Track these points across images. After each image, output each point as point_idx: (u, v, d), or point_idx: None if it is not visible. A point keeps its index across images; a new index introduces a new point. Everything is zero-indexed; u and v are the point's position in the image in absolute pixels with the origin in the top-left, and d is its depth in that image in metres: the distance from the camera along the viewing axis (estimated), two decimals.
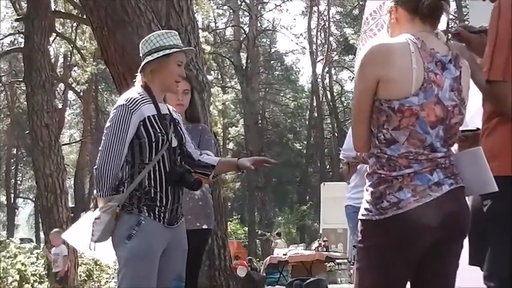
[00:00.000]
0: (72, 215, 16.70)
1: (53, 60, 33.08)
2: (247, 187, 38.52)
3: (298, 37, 47.62)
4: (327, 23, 44.00)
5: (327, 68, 43.96)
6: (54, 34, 25.03)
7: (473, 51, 2.97)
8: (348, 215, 6.13)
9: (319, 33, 44.79)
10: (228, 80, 44.25)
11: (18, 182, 46.99)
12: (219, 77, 42.56)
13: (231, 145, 43.03)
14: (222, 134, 36.77)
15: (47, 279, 15.94)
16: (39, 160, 16.38)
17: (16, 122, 37.60)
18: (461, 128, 2.81)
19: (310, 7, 43.26)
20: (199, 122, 4.93)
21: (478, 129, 3.11)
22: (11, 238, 22.27)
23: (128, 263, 3.54)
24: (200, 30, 21.29)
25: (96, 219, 3.55)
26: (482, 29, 3.09)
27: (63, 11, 23.27)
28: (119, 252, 3.60)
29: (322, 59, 44.00)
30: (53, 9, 19.98)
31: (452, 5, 31.33)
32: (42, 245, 19.18)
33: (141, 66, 3.77)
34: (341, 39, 44.43)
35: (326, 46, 43.53)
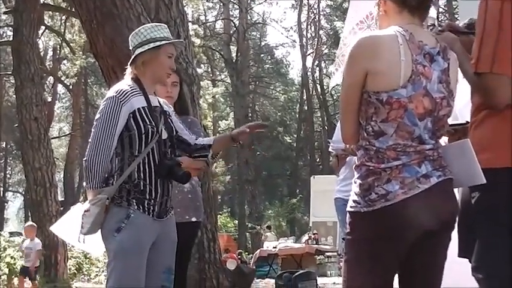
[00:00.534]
0: (61, 208, 16.61)
1: (42, 54, 32.89)
2: (238, 180, 38.47)
3: (289, 30, 47.36)
4: (317, 16, 43.96)
5: (317, 62, 43.92)
6: (43, 27, 24.92)
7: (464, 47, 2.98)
8: (337, 207, 6.13)
9: (309, 26, 44.71)
10: (218, 73, 44.14)
11: (8, 176, 46.79)
12: (209, 70, 42.48)
13: None
14: (212, 128, 36.69)
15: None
16: (28, 154, 16.28)
17: (5, 115, 37.41)
18: (451, 122, 2.82)
19: (300, 0, 43.19)
20: (189, 114, 4.94)
21: (467, 122, 3.11)
22: (0, 232, 22.22)
23: (117, 256, 3.54)
24: (190, 23, 21.21)
25: (85, 211, 3.55)
26: (470, 28, 3.10)
27: (52, 3, 23.16)
28: (108, 245, 3.60)
29: (312, 53, 43.95)
30: (41, 2, 19.86)
31: None
32: None
33: (131, 59, 3.77)
34: (331, 33, 44.35)
35: (316, 39, 43.49)
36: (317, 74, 44.48)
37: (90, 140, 3.63)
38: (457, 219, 2.79)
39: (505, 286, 2.64)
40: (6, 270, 13.73)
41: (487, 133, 2.79)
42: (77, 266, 17.70)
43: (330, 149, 6.32)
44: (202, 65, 37.95)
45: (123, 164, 3.62)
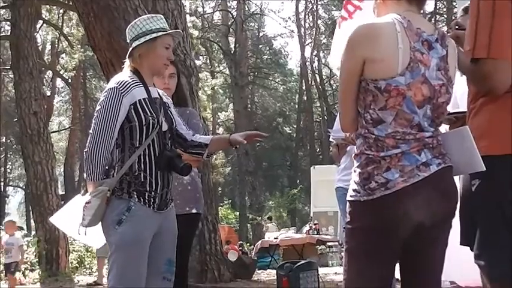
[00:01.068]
0: (62, 202, 16.58)
1: (40, 48, 32.91)
2: (238, 172, 38.50)
3: (287, 21, 47.48)
4: (315, 6, 43.86)
5: (315, 51, 43.88)
6: (41, 21, 24.86)
7: (461, 47, 2.97)
8: (338, 197, 6.12)
9: (307, 16, 44.65)
10: (216, 64, 44.05)
11: (8, 170, 46.77)
12: (208, 61, 42.38)
13: (220, 130, 42.90)
14: (211, 119, 36.68)
15: (38, 267, 15.92)
16: (28, 148, 16.28)
17: (4, 110, 37.38)
18: (452, 110, 2.81)
19: None
20: (187, 106, 4.93)
21: None
22: (1, 226, 22.22)
23: (118, 249, 3.54)
24: (188, 15, 21.20)
25: (86, 203, 3.54)
26: (467, 12, 3.08)
27: None
28: (109, 238, 3.60)
29: (310, 43, 43.90)
30: None
31: None
32: (33, 232, 19.12)
33: (129, 52, 3.76)
34: (329, 22, 44.22)
35: (314, 29, 43.41)
36: (316, 64, 44.44)
37: (90, 131, 3.62)
38: (457, 207, 2.79)
39: (507, 272, 2.65)
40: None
41: (486, 120, 2.78)
42: (79, 259, 17.70)
43: (330, 139, 6.32)
44: (200, 57, 37.84)
45: (123, 155, 3.62)
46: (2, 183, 44.49)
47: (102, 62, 8.71)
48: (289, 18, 46.39)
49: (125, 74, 3.74)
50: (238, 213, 36.63)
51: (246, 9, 42.44)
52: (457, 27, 3.18)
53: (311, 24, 44.78)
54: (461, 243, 3.00)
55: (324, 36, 44.48)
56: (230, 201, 41.58)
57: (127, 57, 3.79)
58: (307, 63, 43.24)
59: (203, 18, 39.36)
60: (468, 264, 3.06)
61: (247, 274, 11.07)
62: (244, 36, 40.73)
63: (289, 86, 47.81)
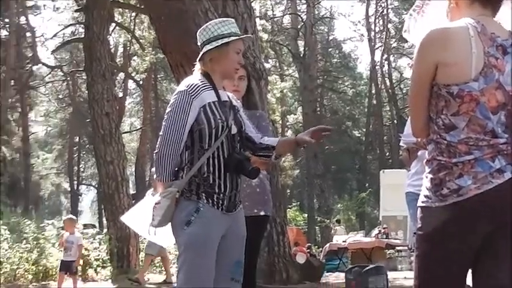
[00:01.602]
0: (133, 201, 16.86)
1: (112, 50, 33.55)
2: (306, 174, 38.47)
3: (356, 24, 47.08)
4: (385, 10, 43.51)
5: (385, 55, 43.53)
6: (114, 24, 25.34)
7: None
8: (408, 202, 6.05)
9: (377, 20, 44.37)
10: (285, 68, 44.15)
11: (81, 169, 47.88)
12: (277, 65, 42.52)
13: (289, 133, 42.94)
14: (280, 122, 36.77)
15: (109, 264, 16.18)
16: (100, 148, 16.59)
17: (78, 110, 38.27)
18: None
19: None
20: (257, 109, 4.93)
21: None
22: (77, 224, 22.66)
23: (187, 249, 3.57)
24: (257, 19, 21.29)
25: (156, 204, 3.59)
26: None
27: (121, 1, 23.54)
28: (178, 238, 3.63)
29: (380, 46, 43.61)
30: (111, 0, 20.20)
31: None
32: (105, 230, 19.45)
33: (200, 55, 3.79)
34: (399, 26, 43.64)
35: (384, 33, 43.04)
36: (385, 67, 44.07)
37: (160, 133, 3.66)
38: None
39: None
40: (81, 262, 13.93)
41: None
42: None
43: (400, 143, 6.23)
44: (270, 60, 37.99)
45: (193, 157, 3.64)
46: (76, 182, 45.59)
47: (172, 64, 8.83)
48: (359, 21, 46.13)
49: (195, 77, 3.77)
50: (306, 215, 36.58)
51: (316, 12, 42.36)
52: None
53: (381, 28, 44.44)
54: None
55: (394, 40, 44.03)
56: (298, 203, 41.56)
57: (197, 60, 3.82)
58: (377, 67, 42.91)
59: (273, 21, 39.50)
60: None
61: (315, 276, 11.02)
62: (314, 40, 40.69)
63: (359, 90, 47.57)
